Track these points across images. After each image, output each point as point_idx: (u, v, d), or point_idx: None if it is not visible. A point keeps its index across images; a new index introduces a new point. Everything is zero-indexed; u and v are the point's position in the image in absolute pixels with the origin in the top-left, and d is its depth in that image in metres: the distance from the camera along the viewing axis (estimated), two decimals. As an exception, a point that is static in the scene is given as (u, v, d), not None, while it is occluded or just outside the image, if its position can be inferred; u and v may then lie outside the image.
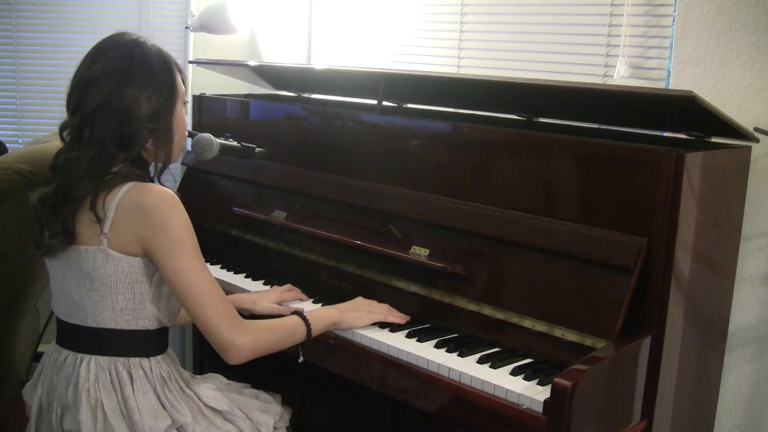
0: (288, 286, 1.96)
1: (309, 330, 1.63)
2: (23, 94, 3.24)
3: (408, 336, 1.71)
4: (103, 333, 1.49)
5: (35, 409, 1.55)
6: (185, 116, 1.63)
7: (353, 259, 1.97)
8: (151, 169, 1.57)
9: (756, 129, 1.81)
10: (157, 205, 1.44)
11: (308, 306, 1.88)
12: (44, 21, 3.19)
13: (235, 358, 1.48)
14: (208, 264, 2.20)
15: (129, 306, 1.48)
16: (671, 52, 2.06)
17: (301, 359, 1.69)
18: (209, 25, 2.79)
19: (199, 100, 2.60)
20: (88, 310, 1.48)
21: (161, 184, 1.54)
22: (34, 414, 1.55)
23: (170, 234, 1.43)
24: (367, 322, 1.74)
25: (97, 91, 1.46)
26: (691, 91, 1.47)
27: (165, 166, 1.56)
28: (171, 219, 1.44)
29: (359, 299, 1.82)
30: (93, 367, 1.48)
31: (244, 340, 1.48)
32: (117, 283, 1.46)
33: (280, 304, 1.86)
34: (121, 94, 1.46)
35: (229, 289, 2.01)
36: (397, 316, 1.77)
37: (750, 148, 1.87)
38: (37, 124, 3.25)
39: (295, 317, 1.64)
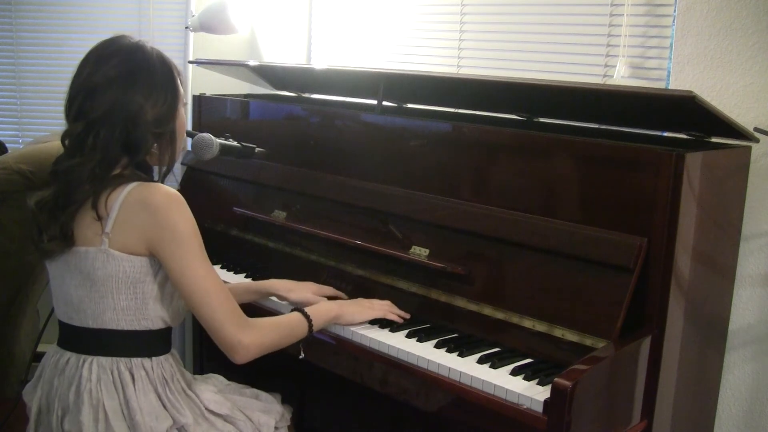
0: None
1: (311, 326, 1.63)
2: (23, 94, 3.24)
3: (408, 336, 1.71)
4: (104, 334, 1.48)
5: (34, 411, 1.55)
6: (185, 118, 1.63)
7: (353, 259, 1.97)
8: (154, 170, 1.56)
9: (756, 129, 1.81)
10: (164, 204, 1.43)
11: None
12: (44, 21, 3.19)
13: (241, 357, 1.48)
14: (208, 264, 2.21)
15: (131, 306, 1.48)
16: (671, 52, 2.06)
17: (302, 356, 1.69)
18: (209, 25, 2.79)
19: (199, 100, 2.60)
20: (88, 312, 1.47)
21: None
22: (34, 415, 1.55)
23: (177, 234, 1.43)
24: (366, 318, 1.75)
25: (103, 98, 1.44)
26: (691, 91, 1.47)
27: (169, 170, 1.55)
28: (178, 219, 1.43)
29: (360, 299, 1.82)
30: (95, 368, 1.47)
31: (251, 340, 1.48)
32: (118, 283, 1.45)
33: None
34: (128, 101, 1.44)
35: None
36: (396, 314, 1.77)
37: (750, 148, 1.87)
38: (37, 124, 3.25)
39: (297, 314, 1.64)
